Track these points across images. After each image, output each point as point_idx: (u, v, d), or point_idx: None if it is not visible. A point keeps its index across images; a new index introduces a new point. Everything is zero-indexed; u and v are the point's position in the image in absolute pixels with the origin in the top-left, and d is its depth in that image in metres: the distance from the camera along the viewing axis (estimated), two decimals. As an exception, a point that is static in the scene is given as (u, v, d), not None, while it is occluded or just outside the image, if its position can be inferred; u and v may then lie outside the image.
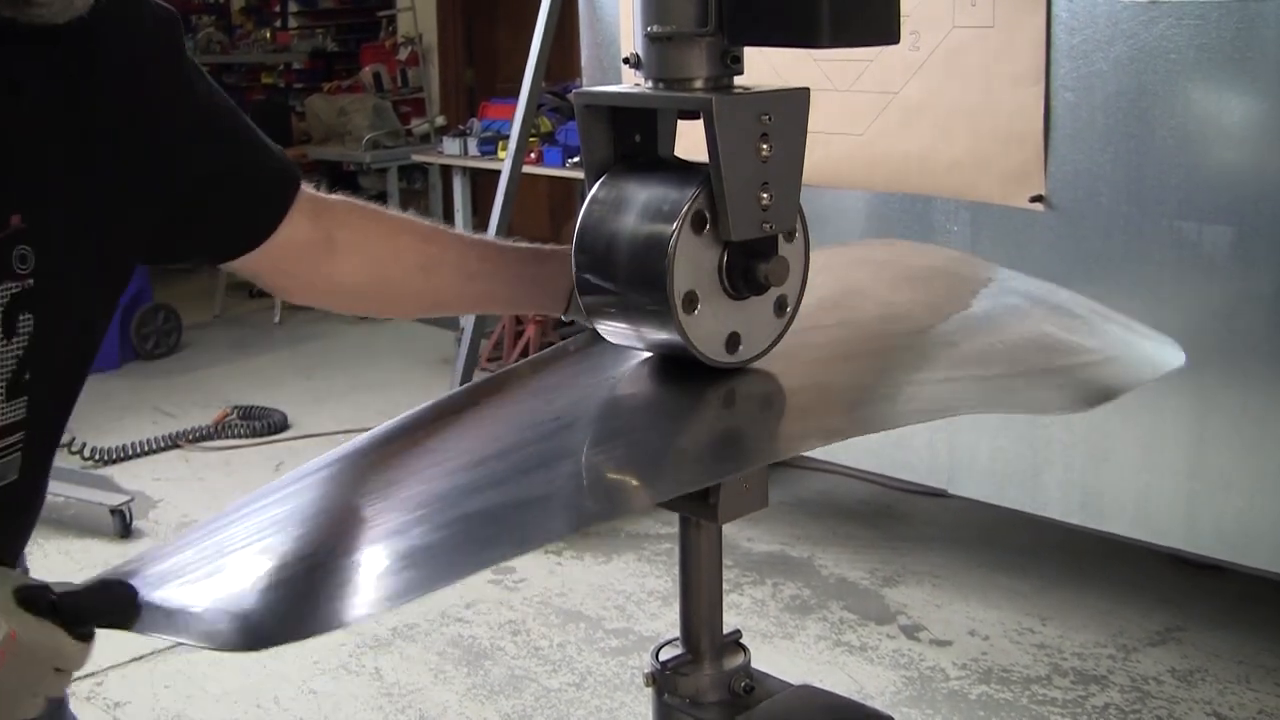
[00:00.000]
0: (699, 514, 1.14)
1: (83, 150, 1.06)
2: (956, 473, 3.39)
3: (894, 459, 3.53)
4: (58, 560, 4.01)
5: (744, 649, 1.23)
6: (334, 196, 1.30)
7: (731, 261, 1.12)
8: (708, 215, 1.10)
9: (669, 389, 1.18)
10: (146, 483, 4.68)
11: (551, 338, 5.28)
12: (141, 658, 3.37)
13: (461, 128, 6.39)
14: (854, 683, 3.19)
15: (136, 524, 4.25)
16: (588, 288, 1.17)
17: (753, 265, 1.12)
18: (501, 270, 1.36)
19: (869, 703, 1.30)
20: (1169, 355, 1.51)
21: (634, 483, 1.06)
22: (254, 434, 5.17)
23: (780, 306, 1.18)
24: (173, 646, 3.24)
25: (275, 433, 5.21)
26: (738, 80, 1.13)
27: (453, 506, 1.03)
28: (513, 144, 4.52)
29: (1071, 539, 3.49)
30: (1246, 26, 2.72)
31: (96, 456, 4.85)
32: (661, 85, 1.13)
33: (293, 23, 9.23)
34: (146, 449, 4.99)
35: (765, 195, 1.10)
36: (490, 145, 5.97)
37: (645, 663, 1.24)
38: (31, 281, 1.03)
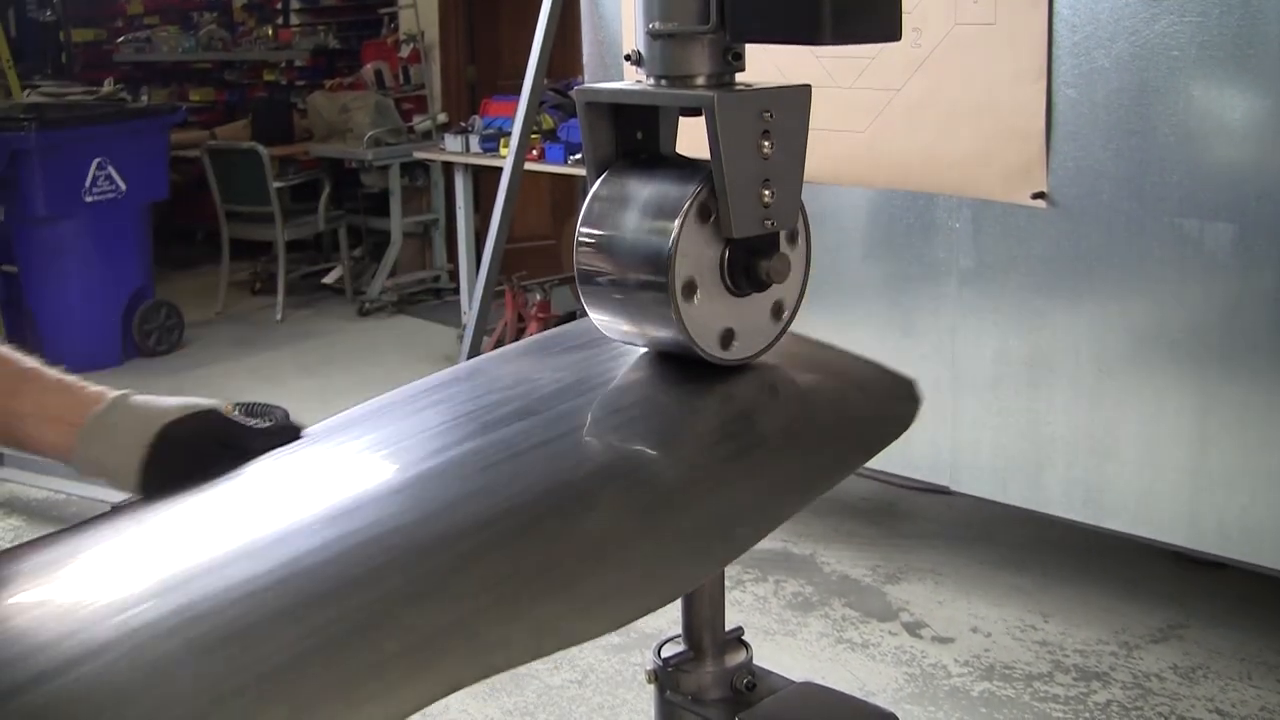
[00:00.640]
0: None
1: None
2: (959, 470, 3.39)
3: (896, 456, 3.52)
4: (60, 557, 4.01)
5: (746, 646, 1.23)
6: None
7: (733, 258, 1.12)
8: (712, 207, 1.10)
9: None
10: (148, 480, 4.68)
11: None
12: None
13: (463, 125, 6.39)
14: (856, 680, 3.19)
15: (139, 521, 4.24)
16: (590, 283, 1.18)
17: (754, 262, 1.12)
18: (13, 394, 1.20)
19: (871, 700, 1.30)
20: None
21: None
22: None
23: (778, 311, 1.18)
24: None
25: (277, 430, 5.20)
26: (739, 77, 1.13)
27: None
28: (514, 141, 4.52)
29: (1074, 536, 3.49)
30: (1248, 23, 2.71)
31: (99, 454, 4.85)
32: (663, 82, 1.13)
33: (294, 20, 9.22)
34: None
35: (767, 192, 1.10)
36: (492, 142, 5.97)
37: (647, 660, 1.24)
38: None
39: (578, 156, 5.33)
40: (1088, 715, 3.01)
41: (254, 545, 0.98)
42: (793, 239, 1.17)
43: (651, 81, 1.14)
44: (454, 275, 7.19)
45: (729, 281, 1.12)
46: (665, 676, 1.21)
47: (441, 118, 7.33)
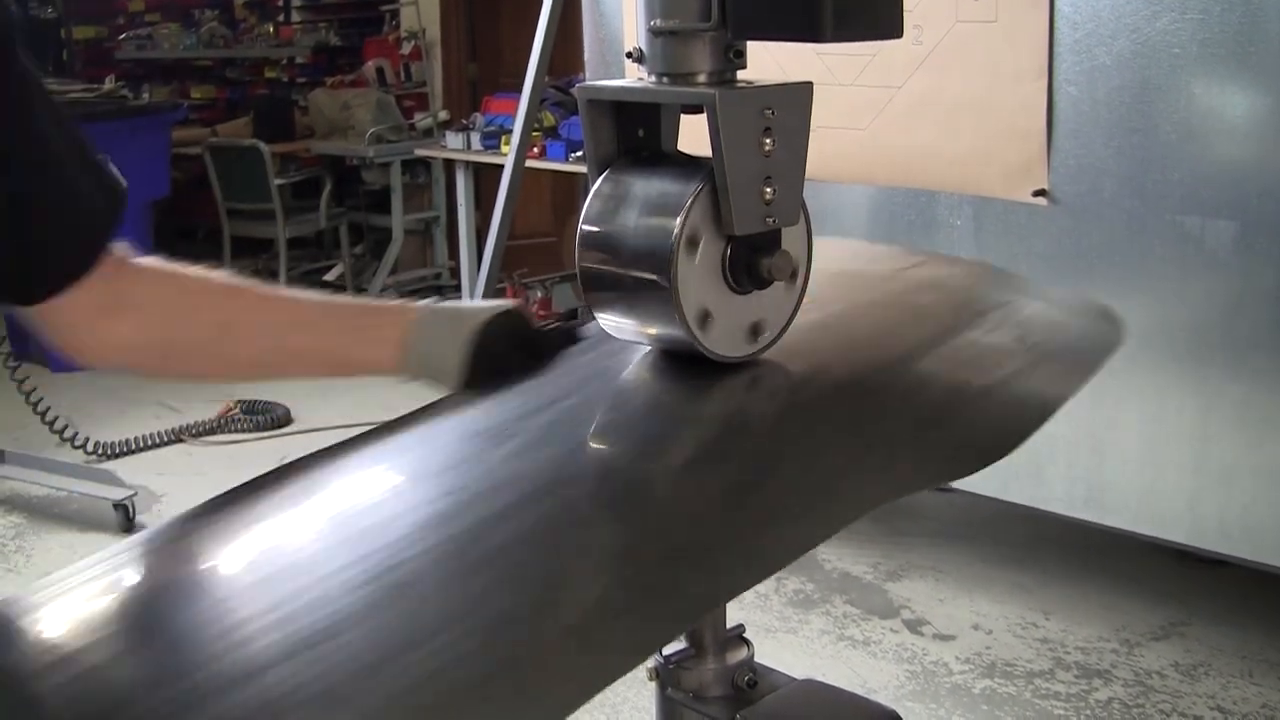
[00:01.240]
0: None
1: None
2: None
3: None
4: (60, 554, 4.01)
5: (747, 643, 1.23)
6: (141, 258, 1.20)
7: (734, 256, 1.12)
8: (700, 235, 1.10)
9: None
10: (150, 477, 4.68)
11: (555, 332, 5.27)
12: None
13: (465, 122, 6.38)
14: (857, 677, 3.19)
15: (140, 518, 4.25)
16: (592, 282, 1.18)
17: (756, 259, 1.12)
18: (317, 325, 1.26)
19: (873, 697, 1.30)
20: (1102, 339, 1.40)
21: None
22: (257, 428, 5.17)
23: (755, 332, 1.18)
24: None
25: (278, 427, 5.22)
26: (741, 75, 1.13)
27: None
28: (516, 138, 4.52)
29: (1075, 533, 3.49)
30: (1250, 21, 2.71)
31: (99, 451, 4.86)
32: (665, 80, 1.13)
33: (296, 17, 9.21)
34: (149, 443, 5.00)
35: (768, 190, 1.10)
36: (493, 140, 5.96)
37: (648, 657, 1.24)
38: None
39: (579, 154, 5.33)
40: (1089, 713, 3.01)
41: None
42: (795, 275, 1.18)
43: (653, 79, 1.14)
44: (455, 273, 7.19)
45: (731, 279, 1.12)
46: (666, 674, 1.21)
47: (443, 115, 7.33)
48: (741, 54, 1.11)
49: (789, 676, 1.24)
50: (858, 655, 3.31)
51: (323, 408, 5.37)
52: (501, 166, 4.60)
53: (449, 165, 6.75)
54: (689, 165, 1.13)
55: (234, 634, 0.88)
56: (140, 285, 1.19)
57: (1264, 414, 2.85)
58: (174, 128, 6.71)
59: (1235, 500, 2.91)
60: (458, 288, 6.83)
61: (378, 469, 1.14)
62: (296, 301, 1.28)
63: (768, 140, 1.08)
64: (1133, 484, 3.06)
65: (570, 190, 6.92)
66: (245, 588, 0.97)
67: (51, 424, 4.73)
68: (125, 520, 4.21)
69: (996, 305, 1.38)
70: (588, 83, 1.20)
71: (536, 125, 5.33)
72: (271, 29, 9.30)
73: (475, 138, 6.09)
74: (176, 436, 5.06)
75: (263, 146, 7.03)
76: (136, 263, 1.18)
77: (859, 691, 1.35)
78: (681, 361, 1.18)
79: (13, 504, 4.52)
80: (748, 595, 3.59)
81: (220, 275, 1.24)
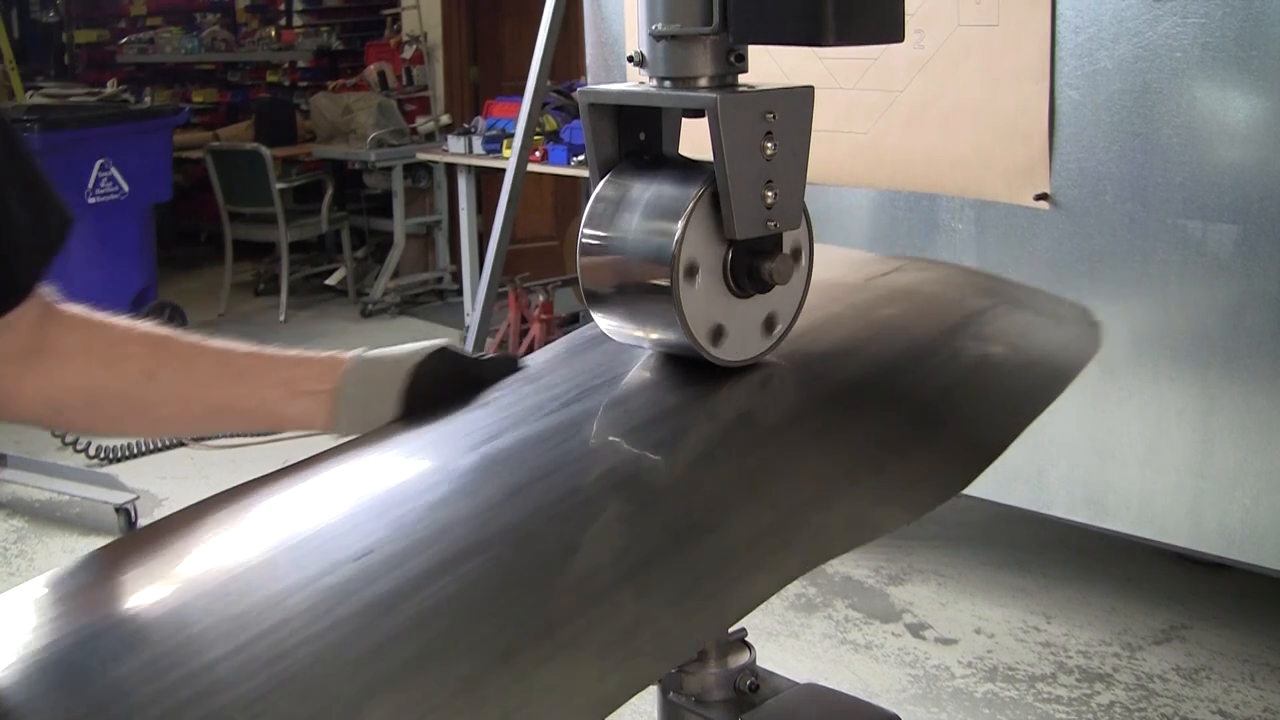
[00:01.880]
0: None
1: None
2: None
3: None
4: (61, 558, 4.01)
5: (749, 647, 1.23)
6: (67, 306, 1.16)
7: (736, 259, 1.12)
8: (716, 208, 1.10)
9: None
10: (151, 481, 4.68)
11: (556, 335, 5.29)
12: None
13: (466, 126, 6.40)
14: (859, 681, 3.19)
15: (141, 522, 4.25)
16: (592, 283, 1.18)
17: (757, 263, 1.12)
18: (245, 378, 1.21)
19: (874, 701, 1.30)
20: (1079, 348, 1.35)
21: None
22: (258, 433, 5.17)
23: (770, 325, 1.17)
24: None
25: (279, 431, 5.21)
26: (742, 78, 1.13)
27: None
28: (517, 142, 4.52)
29: (1076, 537, 3.49)
30: (1251, 24, 2.71)
31: (101, 454, 4.86)
32: (666, 83, 1.13)
33: (297, 21, 9.23)
34: (151, 447, 5.00)
35: (770, 193, 1.10)
36: (495, 143, 5.97)
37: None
38: None
39: (580, 158, 5.33)
40: (1091, 716, 3.01)
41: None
42: (797, 256, 1.17)
43: (654, 83, 1.14)
44: (457, 276, 7.20)
45: (732, 282, 1.12)
46: (668, 678, 1.21)
47: (444, 119, 7.34)
48: (743, 58, 1.11)
49: (791, 680, 1.23)
50: (860, 659, 3.31)
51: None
52: (503, 170, 4.60)
53: (451, 169, 6.76)
54: (690, 169, 1.13)
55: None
56: (66, 333, 1.14)
57: (1265, 417, 2.84)
58: (176, 131, 6.72)
59: (1237, 504, 2.91)
60: (459, 291, 6.83)
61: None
62: (224, 352, 1.23)
63: (769, 144, 1.08)
64: (1134, 487, 3.06)
65: (572, 194, 6.93)
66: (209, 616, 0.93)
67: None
68: (127, 524, 4.21)
69: (969, 314, 1.34)
70: (589, 86, 1.20)
71: (538, 129, 5.33)
72: (273, 33, 9.32)
73: (477, 141, 6.10)
74: (178, 440, 5.06)
75: (264, 150, 7.04)
76: (63, 309, 1.14)
77: (861, 695, 1.35)
78: (666, 370, 1.18)
79: (14, 508, 4.52)
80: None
81: (147, 325, 1.20)
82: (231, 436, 5.09)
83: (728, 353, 1.13)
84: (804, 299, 1.19)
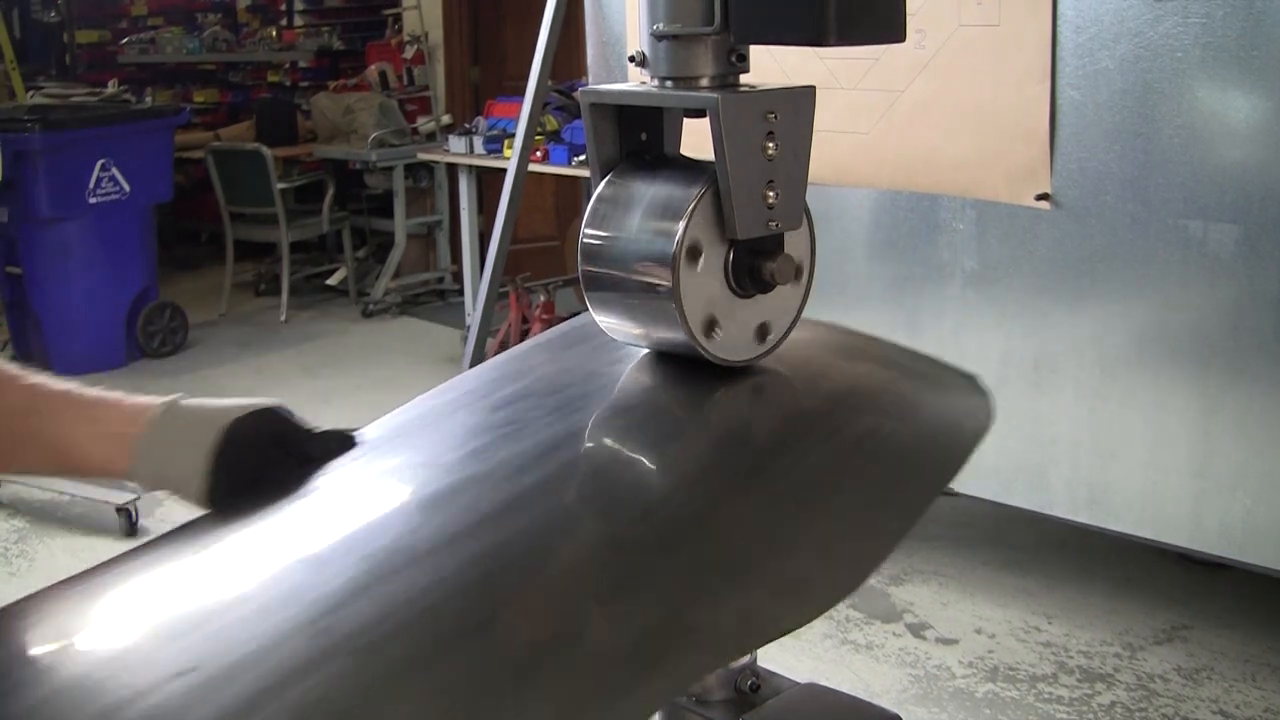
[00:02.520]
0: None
1: None
2: (963, 471, 3.38)
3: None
4: (63, 559, 4.02)
5: (750, 647, 1.23)
6: None
7: (737, 259, 1.12)
8: (702, 246, 1.10)
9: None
10: (153, 481, 4.68)
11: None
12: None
13: (467, 126, 6.40)
14: (860, 681, 3.19)
15: (142, 523, 4.25)
16: (594, 285, 1.18)
17: (758, 263, 1.12)
18: (50, 413, 1.13)
19: (875, 701, 1.30)
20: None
21: None
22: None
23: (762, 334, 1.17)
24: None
25: (281, 431, 5.21)
26: (744, 78, 1.13)
27: None
28: (518, 142, 4.52)
29: (1077, 537, 3.49)
30: (1253, 24, 2.71)
31: (103, 455, 4.85)
32: (668, 84, 1.13)
33: (298, 21, 9.24)
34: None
35: (771, 194, 1.10)
36: (496, 144, 5.97)
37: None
38: None
39: (582, 158, 5.33)
40: (1092, 717, 3.01)
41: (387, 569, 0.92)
42: (799, 273, 1.18)
43: (656, 83, 1.14)
44: (458, 277, 7.20)
45: (733, 282, 1.12)
46: (669, 678, 1.21)
47: (445, 119, 7.34)
48: (744, 58, 1.11)
49: (792, 680, 1.23)
50: (860, 659, 3.31)
51: (324, 411, 5.37)
52: (504, 170, 4.60)
53: (452, 169, 6.76)
54: (691, 169, 1.13)
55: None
56: None
57: (1266, 417, 2.84)
58: (177, 131, 6.72)
59: (1238, 503, 2.91)
60: (460, 291, 6.83)
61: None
62: (35, 386, 1.14)
63: (770, 144, 1.08)
64: (1135, 488, 3.06)
65: (573, 194, 6.93)
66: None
67: (54, 428, 4.73)
68: (128, 525, 4.21)
69: (829, 412, 1.15)
70: (590, 86, 1.20)
71: (539, 129, 5.33)
72: (274, 33, 9.32)
73: (478, 141, 6.10)
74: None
75: (265, 150, 7.04)
76: None
77: (862, 695, 1.35)
78: (669, 373, 1.18)
79: (15, 508, 4.52)
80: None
81: None
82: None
83: (719, 348, 1.13)
84: (801, 310, 1.19)
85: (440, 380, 1.30)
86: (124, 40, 10.21)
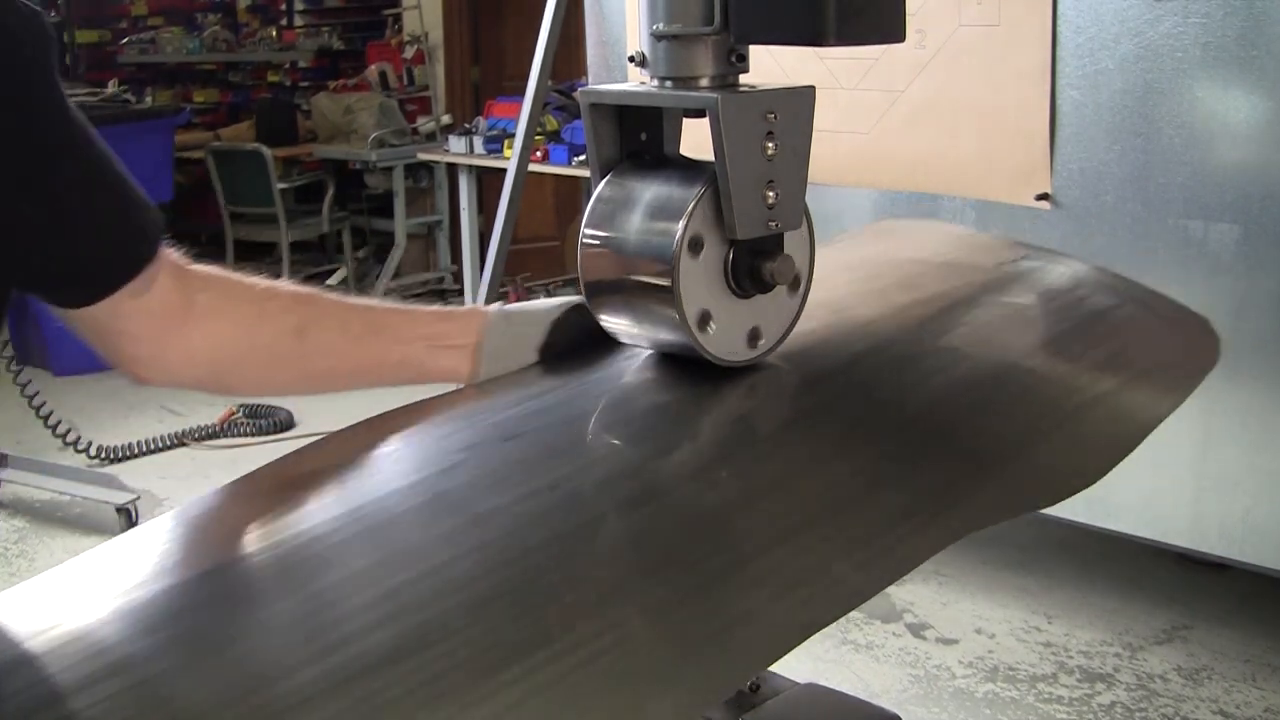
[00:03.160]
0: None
1: None
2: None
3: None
4: (62, 559, 3.99)
5: (750, 647, 1.23)
6: (200, 265, 1.16)
7: (737, 260, 1.12)
8: (702, 244, 1.10)
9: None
10: (152, 481, 4.68)
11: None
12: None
13: (467, 126, 6.39)
14: (860, 681, 3.19)
15: (142, 522, 4.25)
16: (594, 286, 1.18)
17: (758, 263, 1.12)
18: (394, 331, 1.22)
19: (875, 701, 1.30)
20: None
21: None
22: (260, 432, 5.17)
23: (753, 338, 1.17)
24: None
25: (281, 431, 5.21)
26: (743, 78, 1.13)
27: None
28: (518, 142, 4.52)
29: (1077, 537, 3.49)
30: (1253, 24, 2.71)
31: (102, 455, 4.86)
32: (668, 84, 1.13)
33: (298, 21, 9.22)
34: (152, 447, 5.00)
35: (771, 193, 1.10)
36: (496, 144, 5.97)
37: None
38: None
39: (582, 158, 5.33)
40: (1091, 717, 3.01)
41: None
42: (795, 284, 1.19)
43: (655, 83, 1.14)
44: (458, 277, 7.20)
45: (732, 283, 1.12)
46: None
47: (445, 119, 7.34)
48: (744, 58, 1.11)
49: (792, 681, 1.24)
50: (860, 659, 3.31)
51: (325, 412, 5.37)
52: (504, 170, 4.60)
53: (452, 169, 6.75)
54: (691, 169, 1.13)
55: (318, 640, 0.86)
56: (209, 292, 1.14)
57: (1266, 417, 2.84)
58: (176, 131, 6.72)
59: (1237, 503, 2.91)
60: (460, 291, 6.83)
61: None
62: (369, 309, 1.24)
63: (770, 144, 1.08)
64: (1135, 488, 3.06)
65: (573, 194, 6.92)
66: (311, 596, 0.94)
67: (54, 428, 4.73)
68: (128, 524, 4.20)
69: (1092, 315, 1.45)
70: (590, 86, 1.20)
71: (539, 129, 5.33)
72: (274, 33, 9.31)
73: (478, 142, 6.10)
74: (179, 440, 5.06)
75: (265, 150, 7.04)
76: (198, 269, 1.14)
77: (862, 695, 1.35)
78: (685, 369, 1.18)
79: (15, 508, 4.52)
80: (750, 599, 3.59)
81: (287, 283, 1.21)
82: (242, 434, 5.10)
83: (712, 345, 1.13)
84: (795, 321, 1.19)
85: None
86: (124, 40, 10.20)
